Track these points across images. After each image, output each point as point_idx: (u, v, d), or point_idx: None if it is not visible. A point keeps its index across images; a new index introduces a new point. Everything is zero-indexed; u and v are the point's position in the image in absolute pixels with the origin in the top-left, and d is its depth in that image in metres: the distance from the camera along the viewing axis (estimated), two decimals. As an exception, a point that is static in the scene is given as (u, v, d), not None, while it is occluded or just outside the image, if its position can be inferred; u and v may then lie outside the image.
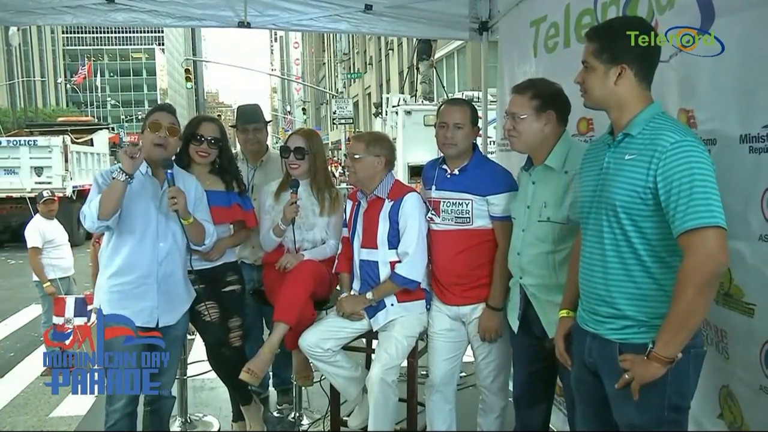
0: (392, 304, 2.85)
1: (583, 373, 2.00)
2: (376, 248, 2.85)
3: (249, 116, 3.69)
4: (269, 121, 3.83)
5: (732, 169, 1.90)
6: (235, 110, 3.94)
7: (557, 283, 2.36)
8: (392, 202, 2.82)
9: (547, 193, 2.38)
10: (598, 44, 1.84)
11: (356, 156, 2.84)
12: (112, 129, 21.46)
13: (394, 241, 2.82)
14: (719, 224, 1.63)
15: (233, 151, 3.57)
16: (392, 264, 2.83)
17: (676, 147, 1.68)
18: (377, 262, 2.86)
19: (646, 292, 1.79)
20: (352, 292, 2.96)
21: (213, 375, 3.38)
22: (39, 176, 12.72)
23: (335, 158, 32.03)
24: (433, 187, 2.80)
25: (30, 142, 13.01)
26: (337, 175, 18.88)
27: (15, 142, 13.02)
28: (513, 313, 2.58)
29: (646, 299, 1.79)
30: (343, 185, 10.81)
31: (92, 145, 15.39)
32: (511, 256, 2.54)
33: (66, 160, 12.86)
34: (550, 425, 3.06)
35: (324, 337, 2.89)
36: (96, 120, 29.09)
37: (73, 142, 13.52)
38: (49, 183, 12.34)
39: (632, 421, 1.81)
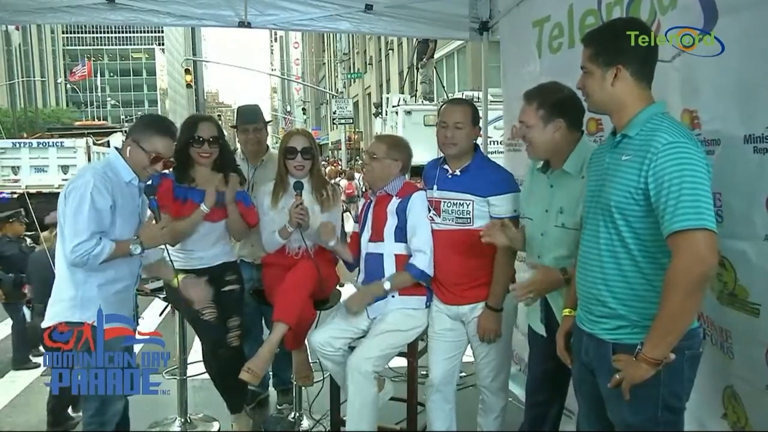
0: (393, 296, 2.86)
1: (582, 372, 2.00)
2: (383, 240, 2.86)
3: (248, 116, 3.71)
4: (269, 121, 3.84)
5: (736, 169, 1.90)
6: (235, 110, 3.96)
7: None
8: (400, 199, 2.84)
9: (564, 198, 2.34)
10: (593, 48, 1.85)
11: (375, 155, 2.87)
12: (125, 132, 22.81)
13: (400, 234, 2.83)
14: (707, 226, 1.62)
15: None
16: (397, 257, 2.84)
17: (668, 148, 1.68)
18: (382, 254, 2.87)
19: (640, 292, 1.79)
20: (354, 289, 2.97)
21: (213, 375, 3.38)
22: (65, 174, 13.97)
23: (336, 158, 32.03)
24: (435, 187, 2.81)
25: (57, 144, 14.58)
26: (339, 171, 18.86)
27: (44, 144, 14.68)
28: (535, 317, 2.52)
29: (639, 300, 1.79)
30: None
31: (109, 146, 16.92)
32: (530, 259, 2.51)
33: (89, 159, 14.08)
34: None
35: (335, 336, 2.89)
36: (112, 123, 30.97)
37: (94, 144, 14.92)
38: None
39: (626, 421, 1.81)
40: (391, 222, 2.84)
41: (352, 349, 2.96)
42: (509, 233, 2.44)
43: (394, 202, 2.85)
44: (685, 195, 1.63)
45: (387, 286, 2.81)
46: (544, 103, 2.30)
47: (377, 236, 2.88)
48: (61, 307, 2.54)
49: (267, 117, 3.89)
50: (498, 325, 2.71)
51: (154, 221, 2.64)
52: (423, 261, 2.78)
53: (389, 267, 2.86)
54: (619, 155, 1.82)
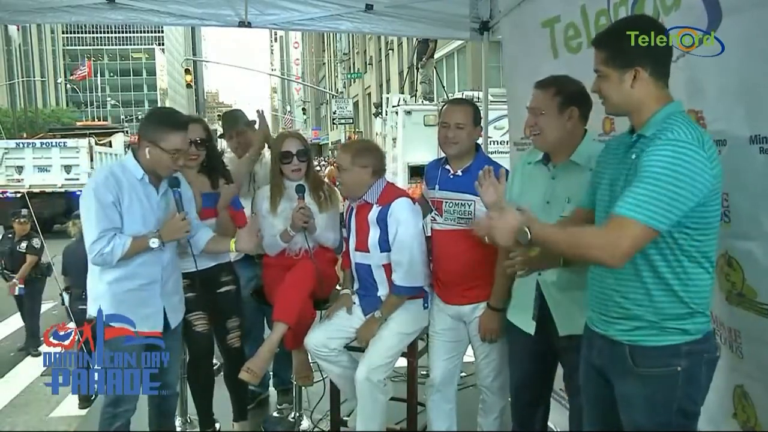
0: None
1: (590, 373, 1.97)
2: (368, 252, 2.86)
3: (229, 122, 3.83)
4: (253, 121, 3.85)
5: (743, 169, 1.88)
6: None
7: (579, 277, 2.31)
8: (380, 207, 2.82)
9: (571, 188, 2.31)
10: (607, 52, 1.80)
11: (343, 167, 2.85)
12: (127, 132, 23.29)
13: (385, 245, 2.82)
14: (641, 221, 1.60)
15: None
16: (385, 267, 2.84)
17: (668, 143, 1.64)
18: (370, 265, 2.88)
19: (655, 292, 1.76)
20: (350, 292, 2.99)
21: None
22: (68, 173, 14.46)
23: (335, 158, 32.01)
24: (436, 187, 2.80)
25: (60, 144, 15.01)
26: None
27: (47, 144, 15.04)
28: (526, 314, 2.47)
29: (654, 300, 1.76)
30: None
31: (111, 146, 17.19)
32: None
33: (91, 159, 14.55)
34: (553, 425, 3.05)
35: (330, 336, 2.90)
36: (112, 123, 31.42)
37: (96, 144, 15.31)
38: (77, 179, 14.15)
39: (638, 424, 1.79)
40: (374, 232, 2.83)
41: (348, 348, 2.97)
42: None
43: (375, 211, 2.83)
44: (644, 185, 1.62)
45: (378, 315, 2.83)
46: (561, 91, 2.28)
47: (362, 246, 2.88)
48: (89, 302, 2.64)
49: (267, 117, 3.90)
50: (499, 325, 2.70)
51: (177, 214, 2.65)
52: (402, 276, 2.78)
53: (379, 277, 2.87)
54: (633, 156, 1.78)
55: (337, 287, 3.31)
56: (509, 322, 2.57)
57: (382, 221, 2.80)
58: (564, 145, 2.33)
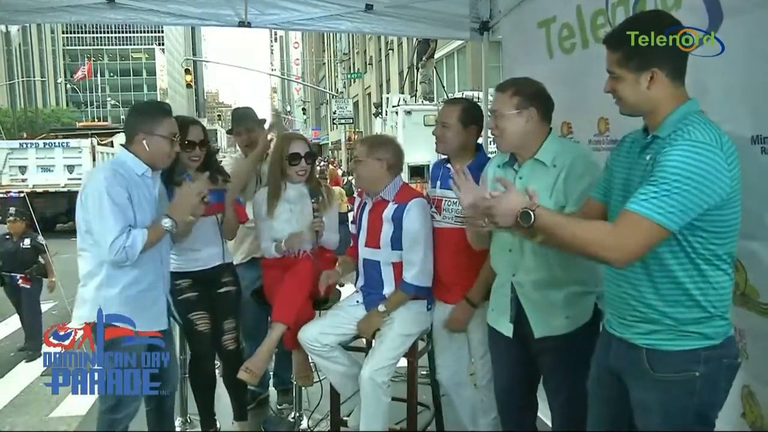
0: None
1: (604, 377, 1.93)
2: (379, 248, 2.86)
3: (238, 119, 3.82)
4: (263, 120, 3.85)
5: (745, 170, 1.84)
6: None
7: (553, 277, 2.32)
8: (396, 205, 2.82)
9: (538, 187, 2.32)
10: (622, 52, 1.72)
11: (359, 159, 2.86)
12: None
13: (397, 242, 2.82)
14: (654, 219, 1.57)
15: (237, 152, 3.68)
16: (395, 265, 2.84)
17: (684, 144, 1.59)
18: (379, 262, 2.87)
19: (670, 296, 1.71)
20: (354, 289, 2.99)
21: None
22: (71, 173, 14.59)
23: (335, 158, 31.99)
24: (438, 185, 2.82)
25: (63, 144, 15.06)
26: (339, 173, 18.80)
27: (50, 144, 15.16)
28: (503, 317, 2.45)
29: (670, 303, 1.71)
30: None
31: (112, 146, 17.30)
32: (499, 254, 2.46)
33: (93, 159, 14.62)
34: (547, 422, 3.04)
35: (324, 332, 2.90)
36: (113, 123, 31.53)
37: (98, 144, 15.37)
38: (80, 179, 14.15)
39: (654, 429, 1.75)
40: (387, 229, 2.83)
41: (347, 348, 2.98)
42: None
43: (390, 208, 2.83)
44: (660, 184, 1.58)
45: (381, 308, 2.83)
46: (519, 91, 2.30)
47: (374, 243, 2.88)
48: (85, 310, 2.55)
49: (267, 117, 3.90)
50: (467, 321, 2.71)
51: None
52: (414, 275, 2.78)
53: (387, 275, 2.87)
54: (647, 157, 1.74)
55: (337, 287, 3.31)
56: (490, 327, 2.55)
57: (398, 219, 2.80)
58: (528, 145, 2.33)
